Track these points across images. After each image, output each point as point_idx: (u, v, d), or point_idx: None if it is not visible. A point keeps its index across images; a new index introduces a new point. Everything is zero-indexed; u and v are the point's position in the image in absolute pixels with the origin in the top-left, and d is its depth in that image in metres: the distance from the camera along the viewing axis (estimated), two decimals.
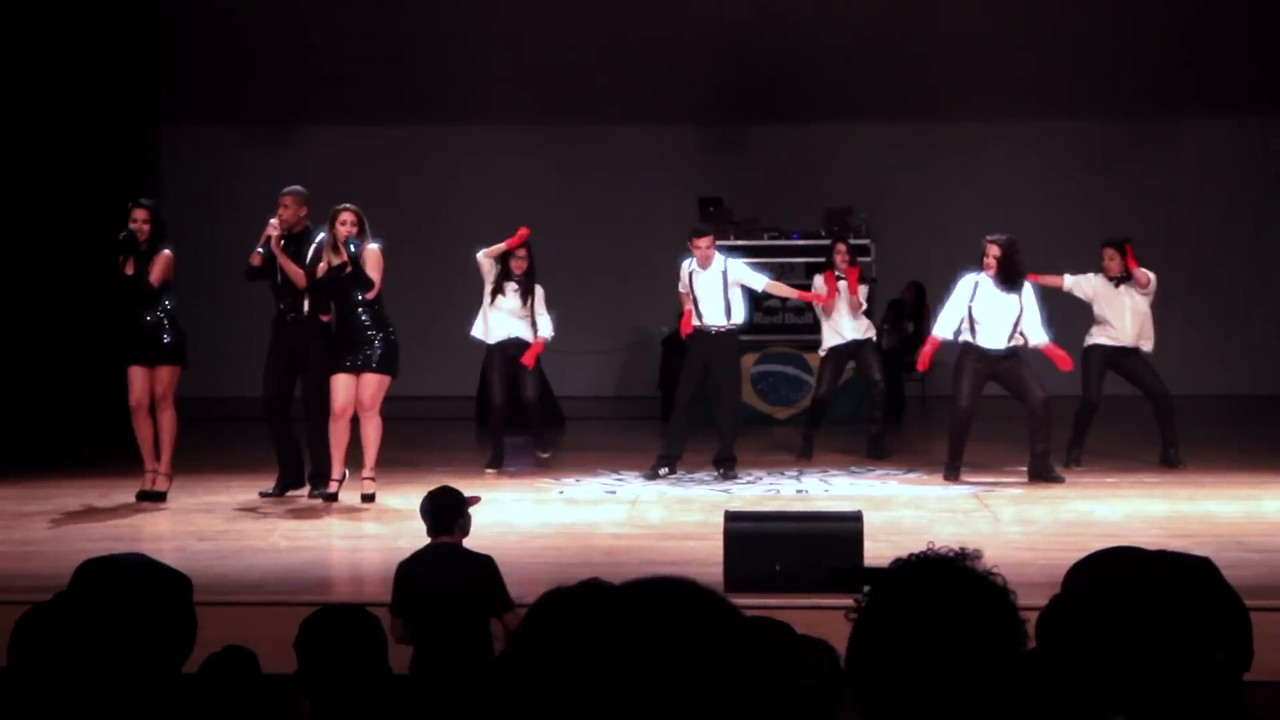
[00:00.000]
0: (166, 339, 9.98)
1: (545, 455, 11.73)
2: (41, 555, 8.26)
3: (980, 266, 10.69)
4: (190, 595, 2.84)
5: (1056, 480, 10.56)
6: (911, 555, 2.17)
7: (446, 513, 6.20)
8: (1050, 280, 11.19)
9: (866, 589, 2.17)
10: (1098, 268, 11.33)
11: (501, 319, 11.46)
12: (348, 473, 9.97)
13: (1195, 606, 2.41)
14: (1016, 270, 10.61)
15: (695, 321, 11.07)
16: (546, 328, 11.44)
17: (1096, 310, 11.28)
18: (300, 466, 10.25)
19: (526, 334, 11.44)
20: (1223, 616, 2.43)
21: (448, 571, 6.00)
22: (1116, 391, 11.40)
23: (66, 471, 11.24)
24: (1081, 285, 11.35)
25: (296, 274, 10.02)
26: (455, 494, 6.29)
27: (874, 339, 12.25)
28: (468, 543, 6.24)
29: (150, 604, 2.72)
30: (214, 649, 4.86)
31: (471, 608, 5.91)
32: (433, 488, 6.40)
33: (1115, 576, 2.47)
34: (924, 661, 2.06)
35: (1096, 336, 11.30)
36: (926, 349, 10.92)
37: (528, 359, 11.35)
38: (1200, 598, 2.44)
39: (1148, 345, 11.26)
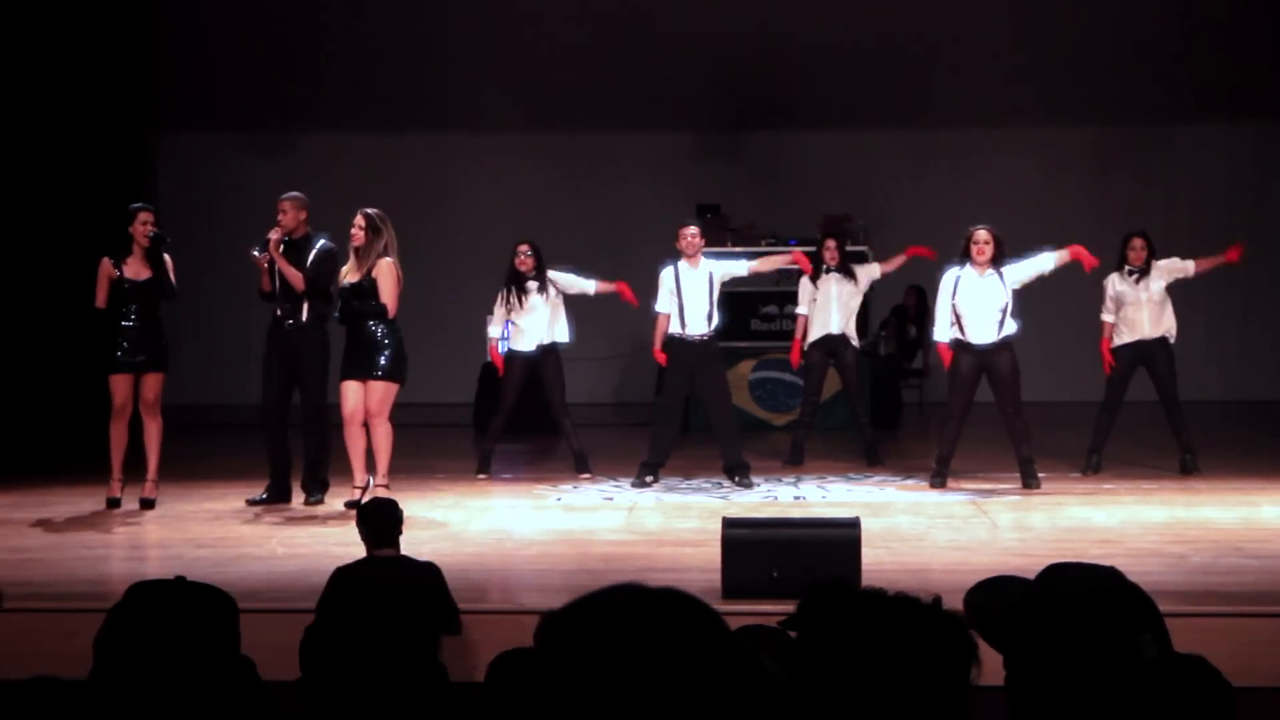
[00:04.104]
0: (160, 346, 9.99)
1: (587, 476, 11.40)
2: (39, 563, 8.25)
3: (963, 258, 10.64)
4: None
5: (1034, 486, 10.57)
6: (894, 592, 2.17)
7: (386, 526, 6.16)
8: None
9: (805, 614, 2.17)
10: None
11: (528, 323, 11.50)
12: (371, 479, 9.93)
13: (1115, 612, 2.42)
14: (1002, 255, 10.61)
15: (676, 329, 10.98)
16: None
17: (1121, 312, 11.27)
18: (288, 480, 10.20)
19: (552, 337, 11.53)
20: (1141, 615, 2.45)
21: (392, 584, 5.88)
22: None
23: (63, 478, 11.22)
24: (1108, 291, 11.36)
25: (295, 277, 9.99)
26: (393, 506, 6.30)
27: (857, 344, 12.19)
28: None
29: None
30: None
31: (418, 620, 5.80)
32: (375, 499, 6.51)
33: (1018, 604, 2.49)
34: (871, 685, 2.06)
35: (1119, 338, 11.30)
36: (943, 356, 10.85)
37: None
38: (1117, 603, 2.46)
39: (1168, 332, 11.22)
